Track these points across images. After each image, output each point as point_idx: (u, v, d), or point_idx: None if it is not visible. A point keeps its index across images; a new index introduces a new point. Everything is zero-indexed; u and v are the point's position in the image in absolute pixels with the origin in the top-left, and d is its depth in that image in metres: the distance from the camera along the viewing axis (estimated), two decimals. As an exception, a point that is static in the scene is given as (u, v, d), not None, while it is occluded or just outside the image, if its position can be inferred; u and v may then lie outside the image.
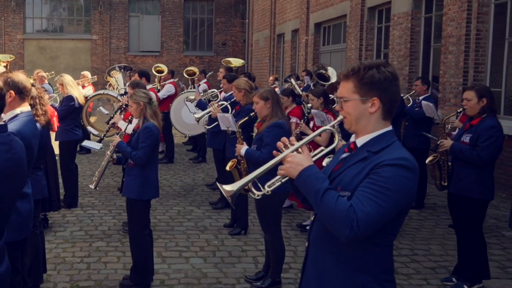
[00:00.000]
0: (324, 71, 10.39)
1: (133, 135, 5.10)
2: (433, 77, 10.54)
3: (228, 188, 2.43)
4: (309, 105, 8.58)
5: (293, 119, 7.69)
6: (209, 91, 8.34)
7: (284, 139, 2.47)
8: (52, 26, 26.89)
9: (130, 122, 5.31)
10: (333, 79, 10.43)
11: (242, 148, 4.93)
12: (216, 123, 7.23)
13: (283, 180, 2.45)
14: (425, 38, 10.89)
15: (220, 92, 8.49)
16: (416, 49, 10.97)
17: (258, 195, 2.49)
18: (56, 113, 7.24)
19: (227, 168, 5.21)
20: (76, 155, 8.45)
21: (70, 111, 7.80)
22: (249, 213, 7.09)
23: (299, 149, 2.41)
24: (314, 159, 2.43)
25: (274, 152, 2.49)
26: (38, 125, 4.88)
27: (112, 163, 5.31)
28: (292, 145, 2.42)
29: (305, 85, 12.20)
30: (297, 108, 7.97)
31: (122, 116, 7.00)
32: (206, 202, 8.50)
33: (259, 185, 2.52)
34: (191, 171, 10.99)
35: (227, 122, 5.40)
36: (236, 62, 12.37)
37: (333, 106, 6.92)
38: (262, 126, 4.91)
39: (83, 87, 12.83)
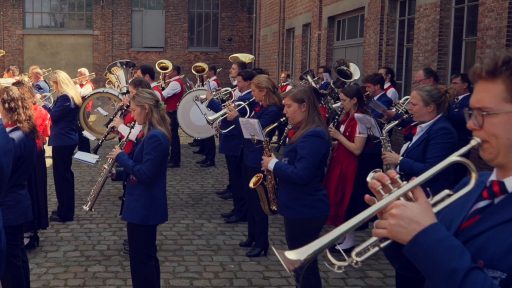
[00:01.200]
0: (345, 67, 9.46)
1: (136, 145, 4.19)
2: (464, 74, 9.58)
3: (293, 256, 1.47)
4: (336, 104, 7.66)
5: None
6: (222, 89, 7.40)
7: (380, 175, 1.53)
8: (53, 21, 26.22)
9: (132, 127, 4.38)
10: (356, 76, 9.50)
11: (271, 162, 4.00)
12: (232, 126, 6.32)
13: (382, 245, 1.50)
14: (455, 31, 9.94)
15: (233, 91, 7.56)
16: (445, 43, 10.02)
17: (339, 267, 1.51)
18: (49, 115, 6.33)
19: (251, 185, 4.27)
20: (72, 161, 7.53)
21: (65, 113, 6.90)
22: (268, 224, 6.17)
23: (409, 193, 1.47)
24: (435, 210, 1.49)
25: (367, 197, 1.55)
26: (19, 133, 3.98)
27: (110, 178, 4.38)
28: (396, 184, 1.49)
29: (322, 82, 11.27)
30: (321, 109, 7.04)
31: (123, 118, 6.08)
32: (218, 214, 7.58)
33: (342, 250, 1.56)
34: (199, 176, 10.08)
35: (252, 129, 4.43)
36: (244, 57, 11.43)
37: (367, 108, 5.99)
38: (295, 134, 3.98)
39: (81, 85, 11.92)
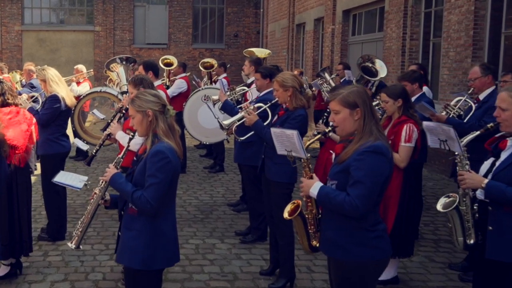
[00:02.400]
0: (370, 64, 8.47)
1: (137, 163, 3.23)
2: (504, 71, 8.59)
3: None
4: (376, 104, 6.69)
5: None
6: (238, 89, 6.42)
7: None
8: (52, 16, 25.41)
9: (133, 136, 3.40)
10: (382, 74, 8.50)
11: (314, 186, 3.01)
12: (251, 133, 5.36)
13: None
14: (492, 24, 8.95)
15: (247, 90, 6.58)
16: (481, 37, 9.03)
17: None
18: (35, 120, 5.37)
19: (286, 214, 3.27)
20: (64, 168, 6.58)
21: (55, 115, 5.94)
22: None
23: None
24: None
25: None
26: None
27: (104, 206, 3.41)
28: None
29: (342, 80, 10.29)
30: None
31: (122, 123, 5.12)
32: (231, 231, 6.62)
33: None
34: (207, 184, 9.11)
35: (290, 143, 3.34)
36: (260, 52, 10.40)
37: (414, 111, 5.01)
38: (346, 150, 2.99)
39: (78, 83, 10.99)
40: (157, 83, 6.21)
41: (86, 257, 5.69)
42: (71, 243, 3.38)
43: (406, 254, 5.01)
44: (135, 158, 3.30)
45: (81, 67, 11.23)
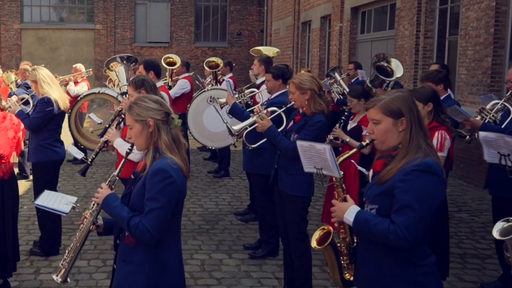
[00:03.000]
0: (386, 64, 7.95)
1: (135, 182, 2.72)
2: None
3: None
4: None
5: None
6: (247, 91, 5.91)
7: None
8: (52, 14, 24.93)
9: (131, 149, 2.87)
10: (398, 73, 8.00)
11: (349, 210, 2.48)
12: (263, 140, 4.85)
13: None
14: (514, 20, 8.44)
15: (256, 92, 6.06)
16: (502, 34, 8.52)
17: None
18: (23, 126, 4.87)
19: (314, 244, 2.72)
20: (59, 175, 6.09)
21: (47, 119, 5.45)
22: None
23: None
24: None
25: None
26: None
27: (96, 232, 2.90)
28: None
29: (353, 80, 9.78)
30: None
31: (121, 129, 4.62)
32: (239, 244, 6.12)
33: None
34: (212, 191, 8.60)
35: (320, 159, 2.65)
36: (268, 51, 9.84)
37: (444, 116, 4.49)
38: (389, 168, 2.47)
39: (76, 83, 10.49)
40: (158, 84, 5.71)
41: (81, 275, 5.19)
42: (57, 275, 2.86)
43: (442, 276, 4.51)
44: (132, 176, 2.79)
45: (79, 66, 10.72)
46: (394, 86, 8.14)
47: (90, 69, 10.71)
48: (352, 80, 9.73)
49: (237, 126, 4.73)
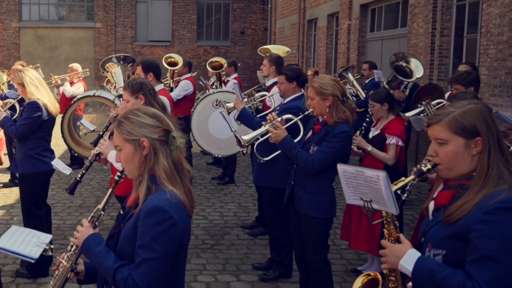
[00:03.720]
0: (405, 63, 7.39)
1: (124, 219, 2.14)
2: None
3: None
4: (412, 113, 5.64)
5: (392, 140, 4.73)
6: (257, 94, 5.33)
7: None
8: (51, 13, 24.47)
9: (120, 178, 2.29)
10: (418, 74, 7.47)
11: (406, 256, 1.86)
12: (277, 152, 4.29)
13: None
14: (541, 17, 7.86)
15: (270, 96, 5.47)
16: (528, 32, 7.94)
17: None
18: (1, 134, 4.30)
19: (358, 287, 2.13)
20: (54, 182, 5.52)
21: (35, 126, 4.89)
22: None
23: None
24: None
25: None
26: None
27: (76, 280, 2.32)
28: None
29: (367, 81, 9.21)
30: (397, 121, 5.00)
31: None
32: (248, 263, 5.56)
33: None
34: (216, 199, 8.04)
35: (371, 189, 1.81)
36: (278, 50, 9.22)
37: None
38: (463, 202, 1.87)
39: (72, 83, 9.93)
40: (159, 87, 5.14)
41: (72, 302, 4.62)
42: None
43: None
44: (121, 211, 2.22)
45: (76, 65, 10.16)
46: (412, 87, 7.60)
47: (87, 69, 10.14)
48: (366, 81, 9.16)
49: (247, 135, 4.15)
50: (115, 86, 7.77)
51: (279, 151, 4.22)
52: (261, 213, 6.56)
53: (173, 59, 9.11)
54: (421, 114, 5.44)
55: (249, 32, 24.31)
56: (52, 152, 5.11)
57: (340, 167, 2.19)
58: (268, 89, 6.06)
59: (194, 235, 6.44)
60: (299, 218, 3.97)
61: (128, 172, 2.13)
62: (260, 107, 5.23)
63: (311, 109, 3.88)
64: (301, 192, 3.87)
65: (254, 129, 4.66)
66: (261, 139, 4.10)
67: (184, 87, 8.69)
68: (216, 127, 6.37)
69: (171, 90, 8.87)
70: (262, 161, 4.33)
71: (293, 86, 4.89)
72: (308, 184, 3.81)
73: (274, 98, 5.20)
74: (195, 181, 9.11)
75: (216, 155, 6.74)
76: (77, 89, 9.84)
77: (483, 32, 8.76)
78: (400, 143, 4.82)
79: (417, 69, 7.35)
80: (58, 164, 4.54)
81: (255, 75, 24.36)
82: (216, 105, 6.30)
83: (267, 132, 3.99)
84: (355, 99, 8.91)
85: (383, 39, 12.91)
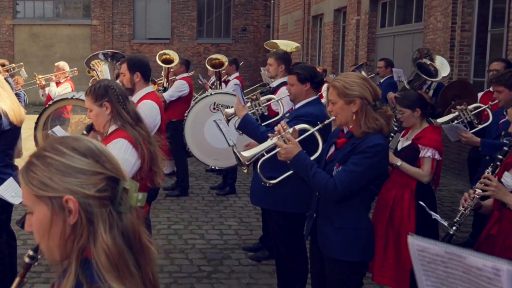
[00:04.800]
0: (429, 61, 6.52)
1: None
2: None
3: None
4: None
5: (427, 152, 3.87)
6: (263, 98, 4.43)
7: None
8: (46, 10, 23.76)
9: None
10: (444, 73, 6.58)
11: None
12: (289, 173, 3.41)
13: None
14: None
15: (279, 100, 4.57)
16: None
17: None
18: None
19: None
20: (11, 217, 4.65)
21: (-6, 138, 4.01)
22: None
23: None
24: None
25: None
26: None
27: None
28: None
29: (382, 80, 8.34)
30: (432, 130, 4.13)
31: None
32: (252, 297, 4.70)
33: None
34: (215, 214, 7.17)
35: (470, 284, 1.35)
36: (286, 45, 8.28)
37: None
38: None
39: (58, 83, 9.07)
40: (146, 90, 4.29)
41: None
42: None
43: None
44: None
45: (63, 64, 9.30)
46: (437, 88, 6.74)
47: (75, 68, 9.26)
48: (382, 80, 8.29)
49: (249, 152, 3.22)
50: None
51: (290, 172, 3.32)
52: (266, 233, 5.70)
53: (168, 56, 8.22)
54: (456, 121, 4.57)
55: (251, 29, 23.58)
56: (14, 168, 4.23)
57: (412, 241, 1.30)
58: (274, 90, 5.20)
59: (189, 259, 5.58)
60: (322, 260, 3.09)
61: (45, 250, 1.26)
62: (265, 113, 4.34)
63: (333, 117, 3.01)
64: (326, 228, 2.98)
65: (259, 140, 3.79)
66: (266, 156, 3.19)
67: (178, 87, 7.81)
68: (213, 134, 5.48)
69: (165, 90, 8.00)
70: (268, 184, 3.42)
71: (306, 88, 4.02)
72: (335, 216, 2.93)
73: (283, 103, 4.31)
74: (193, 191, 8.26)
75: (212, 167, 5.78)
76: (64, 89, 8.97)
77: (511, 26, 7.89)
78: (437, 156, 3.94)
79: (443, 67, 6.47)
80: (7, 190, 3.65)
81: (257, 74, 23.56)
82: (214, 109, 5.42)
83: (274, 146, 3.10)
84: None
85: (395, 35, 12.04)
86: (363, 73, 8.23)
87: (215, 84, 8.40)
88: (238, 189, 8.30)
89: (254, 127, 3.96)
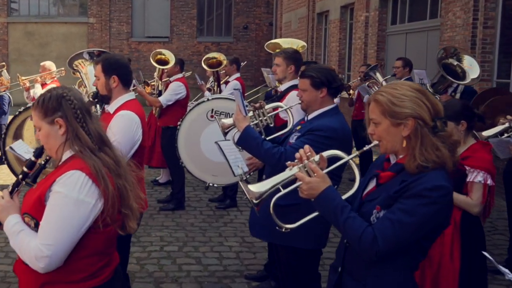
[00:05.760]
0: (456, 61, 5.74)
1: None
2: None
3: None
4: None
5: (477, 176, 3.11)
6: (268, 106, 3.59)
7: None
8: (42, 7, 23.17)
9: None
10: (473, 75, 5.80)
11: None
12: (312, 216, 2.60)
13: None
14: None
15: (289, 108, 3.78)
16: None
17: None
18: None
19: None
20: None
21: None
22: None
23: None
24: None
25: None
26: None
27: None
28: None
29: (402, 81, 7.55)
30: (482, 147, 3.35)
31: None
32: None
33: None
34: (213, 232, 6.40)
35: None
36: (291, 44, 7.44)
37: None
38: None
39: (44, 85, 8.32)
40: (125, 97, 3.52)
41: None
42: None
43: None
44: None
45: (48, 64, 8.56)
46: (464, 91, 5.97)
47: (62, 69, 8.48)
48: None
49: (260, 185, 2.36)
50: (86, 91, 6.12)
51: (315, 213, 2.46)
52: (271, 260, 4.93)
53: (163, 57, 7.43)
54: (506, 134, 3.80)
55: (252, 27, 22.97)
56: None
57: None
58: (282, 96, 4.43)
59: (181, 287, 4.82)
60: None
61: None
62: (271, 125, 3.54)
63: (376, 141, 2.22)
64: (355, 285, 2.20)
65: (263, 159, 3.03)
66: (283, 192, 2.36)
67: (175, 90, 7.04)
68: (212, 146, 4.70)
69: (160, 94, 7.23)
70: (284, 230, 2.55)
71: (322, 94, 3.26)
72: (368, 275, 2.15)
73: (292, 112, 3.52)
74: (189, 203, 7.50)
75: (210, 184, 4.90)
76: (50, 91, 8.22)
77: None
78: (489, 181, 3.16)
79: (472, 68, 5.69)
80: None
81: (259, 74, 22.83)
82: (212, 116, 4.63)
83: (294, 179, 2.29)
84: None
85: (407, 33, 11.26)
86: (378, 75, 7.44)
87: (213, 86, 7.61)
88: (240, 202, 7.53)
89: (258, 143, 3.18)
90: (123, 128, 3.25)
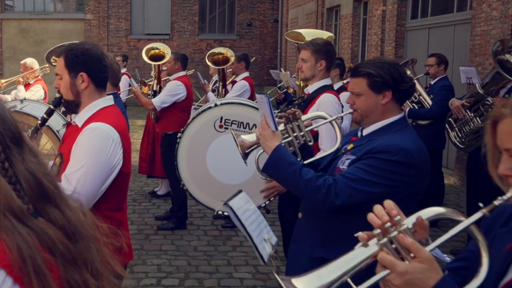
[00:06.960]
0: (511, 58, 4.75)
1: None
2: None
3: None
4: None
5: None
6: (305, 117, 2.51)
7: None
8: (37, 3, 22.53)
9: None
10: (534, 73, 4.80)
11: None
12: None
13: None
14: None
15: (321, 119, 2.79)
16: None
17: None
18: None
19: None
20: None
21: None
22: None
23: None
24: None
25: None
26: None
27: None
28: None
29: (433, 82, 6.56)
30: None
31: None
32: None
33: None
34: (220, 260, 5.42)
35: None
36: (315, 35, 6.39)
37: None
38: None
39: (27, 85, 7.38)
40: (99, 103, 2.53)
41: None
42: None
43: None
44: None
45: (30, 61, 7.62)
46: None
47: (46, 66, 7.49)
48: (433, 82, 6.50)
49: (316, 276, 1.38)
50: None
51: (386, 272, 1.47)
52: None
53: (158, 51, 6.41)
54: None
55: (257, 24, 22.26)
56: None
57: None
58: (311, 100, 3.45)
59: None
60: None
61: None
62: (310, 143, 2.51)
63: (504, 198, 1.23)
64: None
65: (301, 193, 2.07)
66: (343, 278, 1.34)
67: (172, 90, 6.04)
68: (221, 164, 3.70)
69: (155, 94, 6.24)
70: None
71: (385, 100, 2.29)
72: None
73: (339, 125, 2.49)
74: (191, 221, 6.53)
75: (219, 212, 3.87)
76: (35, 93, 7.26)
77: None
78: None
79: (534, 65, 4.71)
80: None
81: (263, 72, 22.07)
82: (221, 126, 3.63)
83: (372, 259, 1.29)
84: (416, 107, 6.32)
85: (430, 28, 10.29)
86: (409, 73, 6.47)
87: (218, 86, 6.59)
88: (249, 219, 6.55)
89: (294, 170, 2.20)
90: (94, 149, 2.26)
